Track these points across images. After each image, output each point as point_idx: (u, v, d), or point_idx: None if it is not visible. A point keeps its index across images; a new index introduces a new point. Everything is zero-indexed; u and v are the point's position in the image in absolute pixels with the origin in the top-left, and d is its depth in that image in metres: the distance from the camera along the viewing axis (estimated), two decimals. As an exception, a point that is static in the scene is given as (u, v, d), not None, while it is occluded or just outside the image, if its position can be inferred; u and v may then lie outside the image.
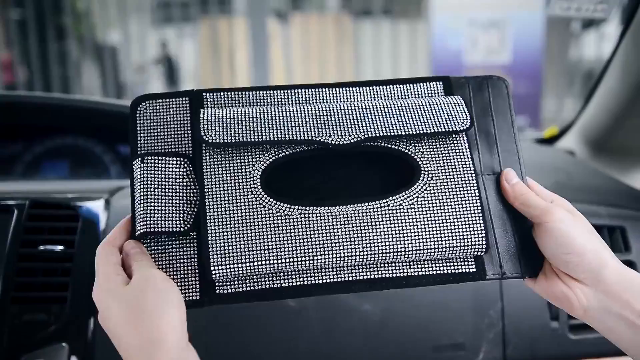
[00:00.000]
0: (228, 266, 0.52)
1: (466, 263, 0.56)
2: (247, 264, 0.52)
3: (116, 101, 1.15)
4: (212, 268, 0.52)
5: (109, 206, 0.85)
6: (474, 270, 0.56)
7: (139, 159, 0.56)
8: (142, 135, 0.57)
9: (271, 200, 0.54)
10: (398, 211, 0.54)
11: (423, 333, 0.81)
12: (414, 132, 0.55)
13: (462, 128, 0.56)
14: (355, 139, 0.55)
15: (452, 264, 0.56)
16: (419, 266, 0.56)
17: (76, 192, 0.88)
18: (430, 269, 0.56)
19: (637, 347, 0.52)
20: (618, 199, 0.98)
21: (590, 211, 0.89)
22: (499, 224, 0.57)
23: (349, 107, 0.57)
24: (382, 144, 0.57)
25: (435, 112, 0.57)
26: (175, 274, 0.54)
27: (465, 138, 0.58)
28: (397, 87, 0.61)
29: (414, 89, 0.61)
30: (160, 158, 0.56)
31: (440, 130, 0.56)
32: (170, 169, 0.56)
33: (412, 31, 6.15)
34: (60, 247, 0.80)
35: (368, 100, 0.60)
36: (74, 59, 6.10)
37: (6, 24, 5.92)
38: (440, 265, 0.56)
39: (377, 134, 0.55)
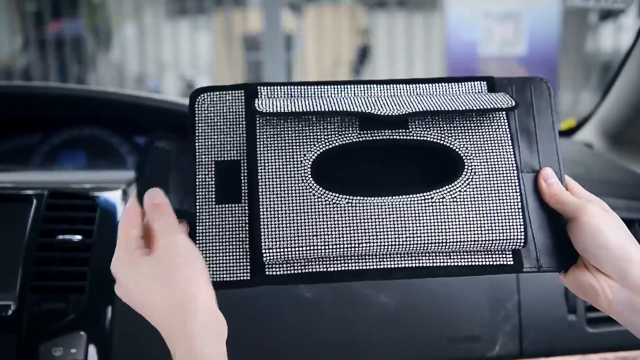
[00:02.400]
0: (278, 250, 0.55)
1: (504, 256, 0.58)
2: (296, 249, 0.55)
3: (132, 92, 1.16)
4: (263, 251, 0.55)
5: (127, 197, 0.86)
6: (512, 263, 0.58)
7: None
8: (199, 126, 0.59)
9: (320, 189, 0.56)
10: (440, 204, 0.57)
11: (438, 325, 0.81)
12: (460, 109, 0.57)
13: (507, 106, 0.58)
14: (402, 113, 0.56)
15: (490, 256, 0.58)
16: (459, 257, 0.58)
17: (94, 183, 0.89)
18: (470, 260, 0.58)
19: None
20: (636, 191, 0.97)
21: (608, 204, 0.88)
22: (536, 220, 0.59)
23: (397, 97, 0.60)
24: (428, 138, 0.58)
25: (481, 97, 0.59)
26: (227, 255, 0.57)
27: (508, 129, 0.59)
28: (442, 85, 0.63)
29: (458, 87, 0.63)
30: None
31: (485, 107, 0.57)
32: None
33: (427, 23, 6.10)
34: (79, 237, 0.80)
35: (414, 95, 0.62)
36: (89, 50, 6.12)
37: (22, 16, 5.95)
38: (479, 257, 0.58)
39: (424, 109, 0.57)
